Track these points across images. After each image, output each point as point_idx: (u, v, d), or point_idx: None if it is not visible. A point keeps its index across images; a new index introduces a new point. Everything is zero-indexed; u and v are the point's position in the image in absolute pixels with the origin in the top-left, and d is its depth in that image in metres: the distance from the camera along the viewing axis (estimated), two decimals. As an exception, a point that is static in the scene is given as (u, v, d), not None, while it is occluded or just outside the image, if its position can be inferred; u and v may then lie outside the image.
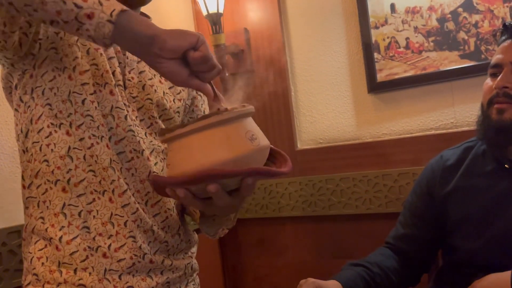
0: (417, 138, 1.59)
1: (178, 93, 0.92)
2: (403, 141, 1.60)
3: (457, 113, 1.55)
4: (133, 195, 0.80)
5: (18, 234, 1.18)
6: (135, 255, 0.79)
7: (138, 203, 0.80)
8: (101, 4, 0.62)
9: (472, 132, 1.29)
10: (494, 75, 1.08)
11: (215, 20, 1.70)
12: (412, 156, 1.58)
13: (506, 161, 1.08)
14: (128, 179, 0.80)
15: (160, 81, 0.89)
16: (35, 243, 0.79)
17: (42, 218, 0.78)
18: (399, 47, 1.60)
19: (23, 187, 0.81)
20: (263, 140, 0.69)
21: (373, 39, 1.63)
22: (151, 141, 0.84)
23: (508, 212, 1.04)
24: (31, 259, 0.78)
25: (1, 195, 1.20)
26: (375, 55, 1.63)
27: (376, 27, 1.63)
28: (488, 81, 1.10)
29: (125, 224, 0.78)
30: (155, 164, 0.83)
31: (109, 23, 0.61)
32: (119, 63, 0.84)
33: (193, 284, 0.92)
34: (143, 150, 0.81)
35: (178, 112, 0.91)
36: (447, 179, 1.15)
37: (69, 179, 0.77)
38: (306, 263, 1.79)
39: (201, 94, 0.98)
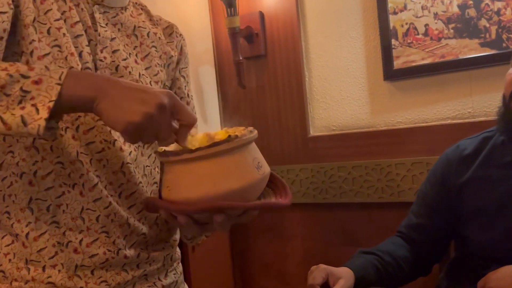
0: (432, 127, 1.56)
1: (156, 75, 0.85)
2: (418, 130, 1.58)
3: (475, 102, 1.52)
4: (105, 187, 0.75)
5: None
6: (109, 250, 0.75)
7: (111, 195, 0.76)
8: (48, 69, 0.59)
9: (490, 123, 1.26)
10: (517, 65, 1.05)
11: (230, 3, 1.67)
12: (426, 145, 1.55)
13: (526, 152, 1.06)
14: (100, 171, 0.74)
15: (135, 61, 0.82)
16: (2, 238, 0.74)
17: (8, 212, 0.73)
18: (418, 34, 1.57)
19: None
20: (266, 167, 0.70)
21: (391, 25, 1.59)
22: None
23: (525, 204, 1.02)
24: None
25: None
26: (393, 41, 1.60)
27: (395, 13, 1.59)
28: (511, 72, 1.07)
29: (97, 219, 0.74)
30: (130, 153, 0.77)
31: (58, 85, 0.58)
32: (89, 40, 0.76)
33: (174, 274, 0.88)
34: (115, 140, 0.75)
35: None
36: (463, 169, 1.13)
37: (35, 172, 0.71)
38: (315, 251, 1.78)
39: (185, 76, 0.92)
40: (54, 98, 0.57)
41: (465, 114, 1.53)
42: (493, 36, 1.47)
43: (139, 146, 0.80)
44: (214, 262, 1.81)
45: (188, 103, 0.92)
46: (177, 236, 0.89)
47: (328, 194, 1.71)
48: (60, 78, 0.58)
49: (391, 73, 1.61)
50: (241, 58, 1.74)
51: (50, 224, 0.73)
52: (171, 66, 0.89)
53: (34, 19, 0.71)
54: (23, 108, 0.57)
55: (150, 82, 0.83)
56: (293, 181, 1.76)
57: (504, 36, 1.45)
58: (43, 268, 0.73)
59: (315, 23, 1.75)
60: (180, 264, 0.91)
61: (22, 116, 0.57)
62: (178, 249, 0.90)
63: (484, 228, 1.07)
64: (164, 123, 0.61)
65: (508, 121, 1.06)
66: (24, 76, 0.58)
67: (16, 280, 0.73)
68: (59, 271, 0.73)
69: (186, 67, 0.93)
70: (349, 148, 1.68)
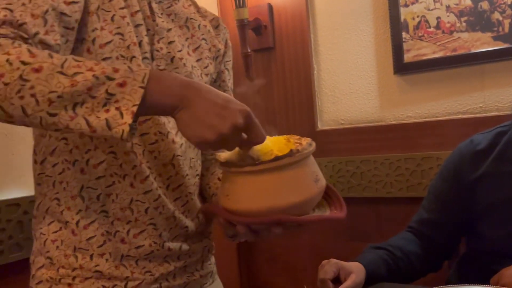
0: (443, 122, 1.54)
1: (206, 67, 0.86)
2: (428, 124, 1.56)
3: (487, 97, 1.50)
4: (155, 179, 0.76)
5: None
6: (155, 243, 0.76)
7: (160, 187, 0.77)
8: (131, 71, 0.59)
9: (502, 118, 1.25)
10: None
11: (238, -6, 1.65)
12: (437, 140, 1.54)
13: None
14: (151, 162, 0.75)
15: (188, 53, 0.83)
16: (49, 224, 0.75)
17: (58, 199, 0.74)
18: (429, 27, 1.54)
19: (35, 161, 0.76)
20: (322, 180, 0.71)
21: (402, 17, 1.57)
22: None
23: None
24: (45, 241, 0.74)
25: (23, 163, 1.20)
26: (403, 34, 1.57)
27: (406, 5, 1.57)
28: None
29: (146, 211, 0.75)
30: (181, 146, 0.78)
31: (141, 89, 0.58)
32: (147, 30, 0.77)
33: (209, 264, 0.90)
34: (169, 132, 0.76)
35: None
36: (477, 164, 1.11)
37: (88, 160, 0.72)
38: (321, 245, 1.77)
39: (229, 69, 0.94)
40: (137, 102, 0.57)
41: (476, 109, 1.52)
42: (506, 29, 1.45)
43: None
44: (220, 254, 1.79)
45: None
46: (211, 227, 0.90)
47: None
48: (143, 81, 0.58)
49: (401, 67, 1.59)
50: (249, 50, 1.72)
51: (99, 213, 0.74)
52: (218, 59, 0.90)
53: (98, 7, 0.71)
54: (107, 111, 0.57)
55: (201, 74, 0.84)
56: (300, 175, 1.75)
57: (517, 30, 1.43)
58: (91, 257, 0.73)
59: (324, 15, 1.73)
60: (213, 256, 0.93)
61: (106, 120, 0.57)
62: (212, 241, 0.91)
63: (497, 224, 1.06)
64: (233, 141, 0.62)
65: None
66: (110, 78, 0.58)
67: (63, 267, 0.74)
68: (106, 260, 0.74)
69: (230, 60, 0.94)
70: (357, 142, 1.67)
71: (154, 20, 0.77)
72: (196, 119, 0.59)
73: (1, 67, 0.56)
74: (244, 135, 0.63)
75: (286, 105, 1.79)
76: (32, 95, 0.56)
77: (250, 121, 0.62)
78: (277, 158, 0.64)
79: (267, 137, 0.69)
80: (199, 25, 0.86)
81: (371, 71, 1.66)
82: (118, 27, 0.72)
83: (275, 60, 1.79)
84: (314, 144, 0.69)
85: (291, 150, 0.65)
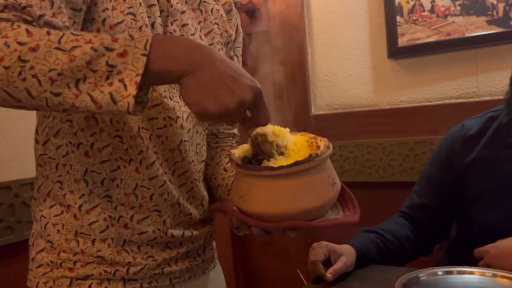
0: (436, 107, 1.54)
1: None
2: (422, 109, 1.56)
3: (480, 82, 1.50)
4: (161, 165, 0.74)
5: (31, 187, 1.18)
6: (158, 229, 0.75)
7: (165, 173, 0.75)
8: (132, 38, 0.55)
9: (494, 102, 1.25)
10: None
11: (232, -24, 1.63)
12: (430, 125, 1.54)
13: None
14: (157, 147, 0.73)
15: (200, 37, 0.80)
16: (50, 207, 0.73)
17: (61, 182, 0.72)
18: (424, 11, 1.53)
19: (36, 141, 0.74)
20: (338, 182, 0.70)
21: (397, 1, 1.56)
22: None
23: (530, 184, 1.02)
24: (45, 225, 0.73)
25: (14, 147, 1.19)
26: (398, 18, 1.56)
27: (401, -11, 1.55)
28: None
29: (150, 197, 0.73)
30: (188, 131, 0.77)
31: (143, 56, 0.54)
32: (161, 11, 0.74)
33: (210, 249, 0.89)
34: (178, 117, 0.74)
35: None
36: (468, 149, 1.12)
37: (92, 143, 0.70)
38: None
39: (238, 55, 0.91)
40: (140, 71, 0.54)
41: (469, 93, 1.52)
42: (501, 13, 1.44)
43: (195, 124, 0.79)
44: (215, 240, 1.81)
45: None
46: (215, 214, 0.89)
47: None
48: (145, 48, 0.54)
49: (395, 51, 1.58)
50: (241, 34, 1.70)
51: (102, 197, 0.72)
52: (229, 45, 0.87)
53: None
54: (111, 84, 0.54)
55: None
56: (294, 160, 1.75)
57: (511, 14, 1.43)
58: (93, 242, 0.72)
59: (318, -1, 1.72)
60: (214, 241, 0.92)
61: (111, 94, 0.54)
62: (214, 228, 0.91)
63: (488, 208, 1.07)
64: (236, 117, 0.58)
65: None
66: (109, 49, 0.54)
67: (64, 251, 0.72)
68: (108, 245, 0.72)
69: (240, 47, 0.92)
70: (351, 127, 1.67)
71: (168, 1, 0.75)
72: (202, 86, 0.55)
73: (0, 51, 0.53)
74: (248, 113, 0.60)
75: (280, 90, 1.78)
76: (34, 76, 0.53)
77: (259, 100, 0.58)
78: (296, 163, 0.63)
79: (288, 134, 0.69)
80: (212, 9, 0.84)
81: (365, 56, 1.66)
82: (130, 7, 0.68)
83: (269, 44, 1.78)
84: (331, 146, 0.68)
85: (310, 155, 0.64)
